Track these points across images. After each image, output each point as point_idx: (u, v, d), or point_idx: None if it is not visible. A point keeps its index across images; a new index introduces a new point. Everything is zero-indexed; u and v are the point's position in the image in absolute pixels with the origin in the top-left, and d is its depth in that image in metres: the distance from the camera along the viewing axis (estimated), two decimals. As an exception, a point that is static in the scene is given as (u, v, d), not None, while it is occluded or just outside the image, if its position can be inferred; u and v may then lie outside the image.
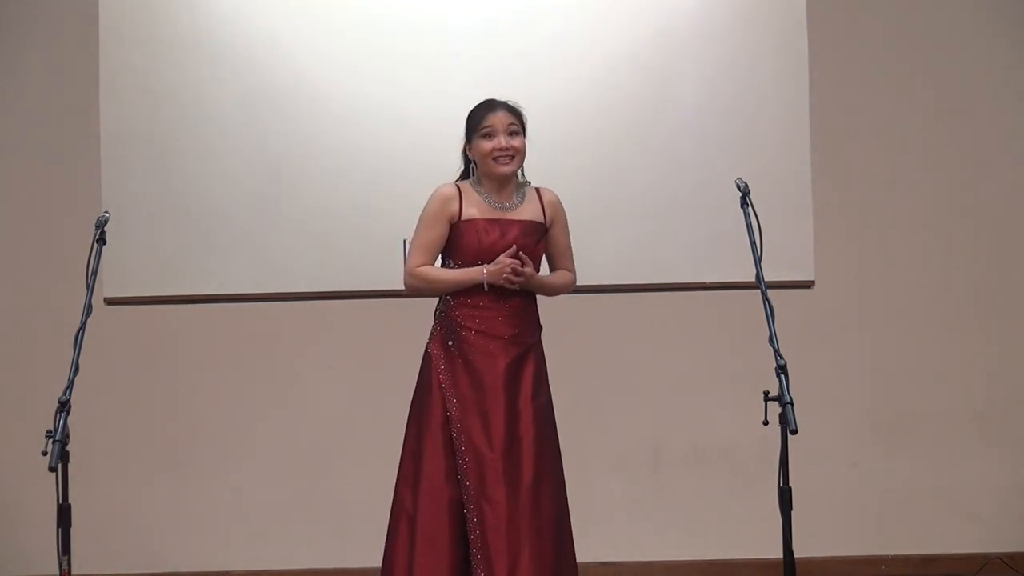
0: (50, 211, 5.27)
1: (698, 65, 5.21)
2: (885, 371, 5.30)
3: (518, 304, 3.74)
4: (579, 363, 5.13)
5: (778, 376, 3.29)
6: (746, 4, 5.23)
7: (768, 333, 3.38)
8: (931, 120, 5.32)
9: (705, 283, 5.20)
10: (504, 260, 3.66)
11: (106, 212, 3.73)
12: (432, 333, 3.80)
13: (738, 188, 3.69)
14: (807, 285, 5.22)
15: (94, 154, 5.20)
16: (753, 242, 3.59)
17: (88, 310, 3.44)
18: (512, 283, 3.67)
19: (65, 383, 3.25)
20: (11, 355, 5.28)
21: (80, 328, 3.40)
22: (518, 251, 3.68)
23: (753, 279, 3.54)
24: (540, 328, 3.84)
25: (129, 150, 5.19)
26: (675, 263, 5.19)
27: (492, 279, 3.68)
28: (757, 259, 3.55)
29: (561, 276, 3.91)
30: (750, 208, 3.64)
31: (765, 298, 3.46)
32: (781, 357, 3.32)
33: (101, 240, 3.59)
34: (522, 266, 3.67)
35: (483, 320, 3.71)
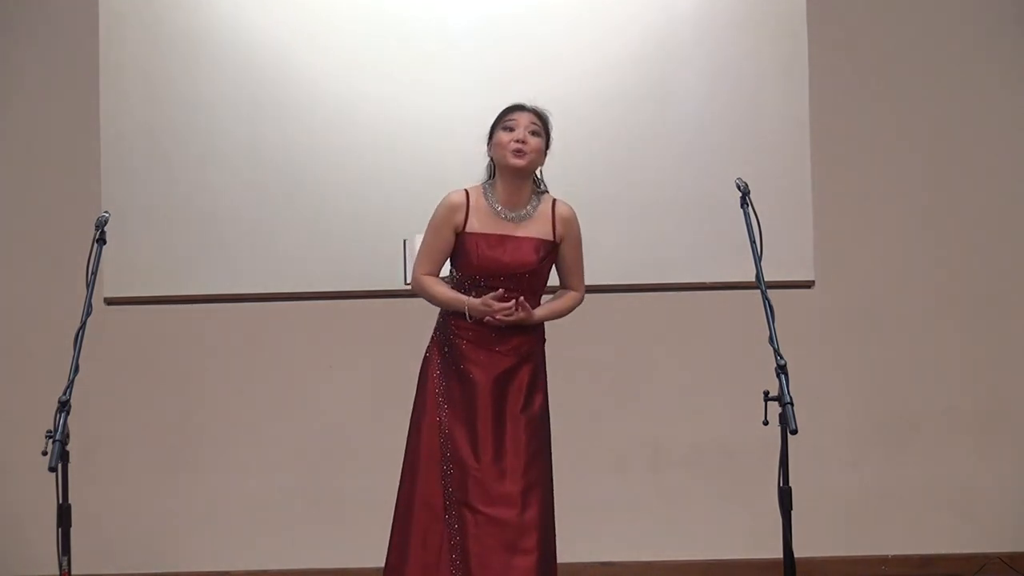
0: (50, 211, 5.27)
1: (698, 64, 5.21)
2: (885, 371, 5.30)
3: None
4: (579, 363, 5.13)
5: (778, 376, 3.29)
6: (746, 4, 5.23)
7: (768, 333, 3.38)
8: (931, 120, 5.32)
9: (705, 283, 5.20)
10: (490, 303, 3.62)
11: (106, 212, 3.72)
12: (432, 337, 3.81)
13: (738, 188, 3.69)
14: (807, 285, 5.22)
15: (94, 154, 5.20)
16: (753, 242, 3.59)
17: (88, 310, 3.44)
18: (499, 323, 3.64)
19: (65, 383, 3.25)
20: (11, 355, 5.28)
21: (80, 328, 3.40)
22: (510, 298, 3.63)
23: (753, 279, 3.54)
24: (543, 339, 3.82)
25: (129, 150, 5.19)
26: (675, 263, 5.18)
27: (472, 314, 3.66)
28: (757, 259, 3.55)
29: (566, 301, 3.87)
30: (750, 208, 3.64)
31: (765, 298, 3.46)
32: (781, 357, 3.32)
33: (101, 240, 3.59)
34: (518, 309, 3.63)
35: (477, 332, 3.70)
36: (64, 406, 3.19)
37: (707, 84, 5.22)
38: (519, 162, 3.70)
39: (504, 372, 3.68)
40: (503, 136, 3.72)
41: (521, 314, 3.65)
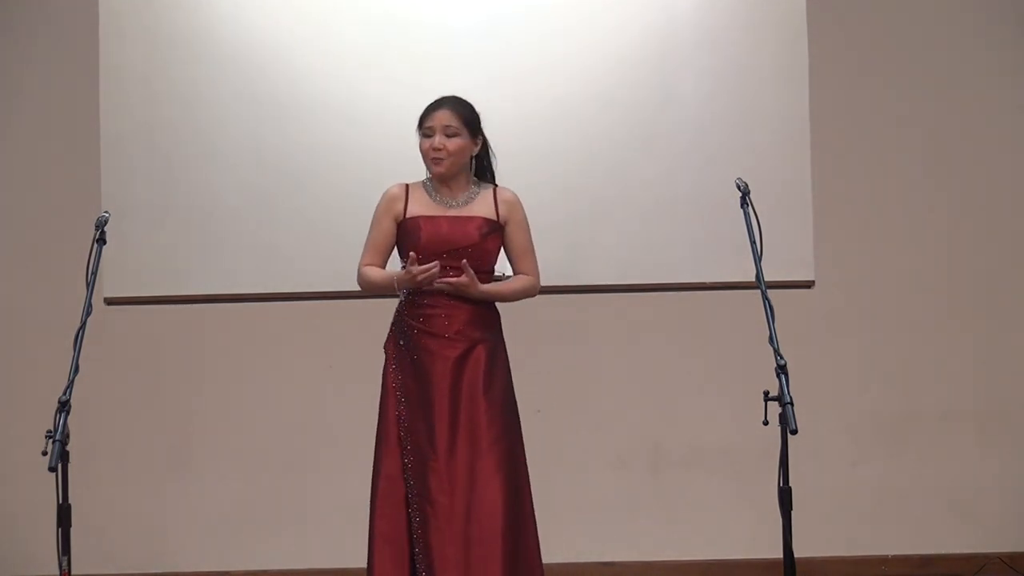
0: (50, 211, 5.27)
1: (698, 65, 5.21)
2: (885, 371, 5.30)
3: (467, 303, 3.72)
4: (578, 363, 5.13)
5: (778, 376, 3.29)
6: (746, 4, 5.23)
7: (768, 333, 3.38)
8: (931, 120, 5.32)
9: (705, 283, 5.20)
10: (410, 268, 3.62)
11: (106, 212, 3.73)
12: (388, 332, 3.82)
13: (738, 188, 3.70)
14: (807, 285, 5.22)
15: (94, 154, 5.20)
16: (753, 242, 3.59)
17: (88, 310, 3.44)
18: (428, 287, 3.64)
19: (65, 383, 3.25)
20: (11, 355, 5.28)
21: (80, 328, 3.40)
22: (443, 267, 3.64)
23: (753, 279, 3.54)
24: (496, 323, 3.80)
25: (129, 150, 5.20)
26: (675, 263, 5.18)
27: (399, 285, 3.68)
28: (757, 259, 3.55)
29: (517, 282, 3.85)
30: (750, 208, 3.64)
31: (765, 298, 3.46)
32: (781, 357, 3.32)
33: (101, 240, 3.59)
34: (461, 275, 3.64)
35: (427, 319, 3.71)
36: (64, 406, 3.19)
37: (707, 84, 5.21)
38: (438, 170, 3.75)
39: (457, 359, 3.68)
40: (422, 143, 3.77)
41: (464, 279, 3.64)
